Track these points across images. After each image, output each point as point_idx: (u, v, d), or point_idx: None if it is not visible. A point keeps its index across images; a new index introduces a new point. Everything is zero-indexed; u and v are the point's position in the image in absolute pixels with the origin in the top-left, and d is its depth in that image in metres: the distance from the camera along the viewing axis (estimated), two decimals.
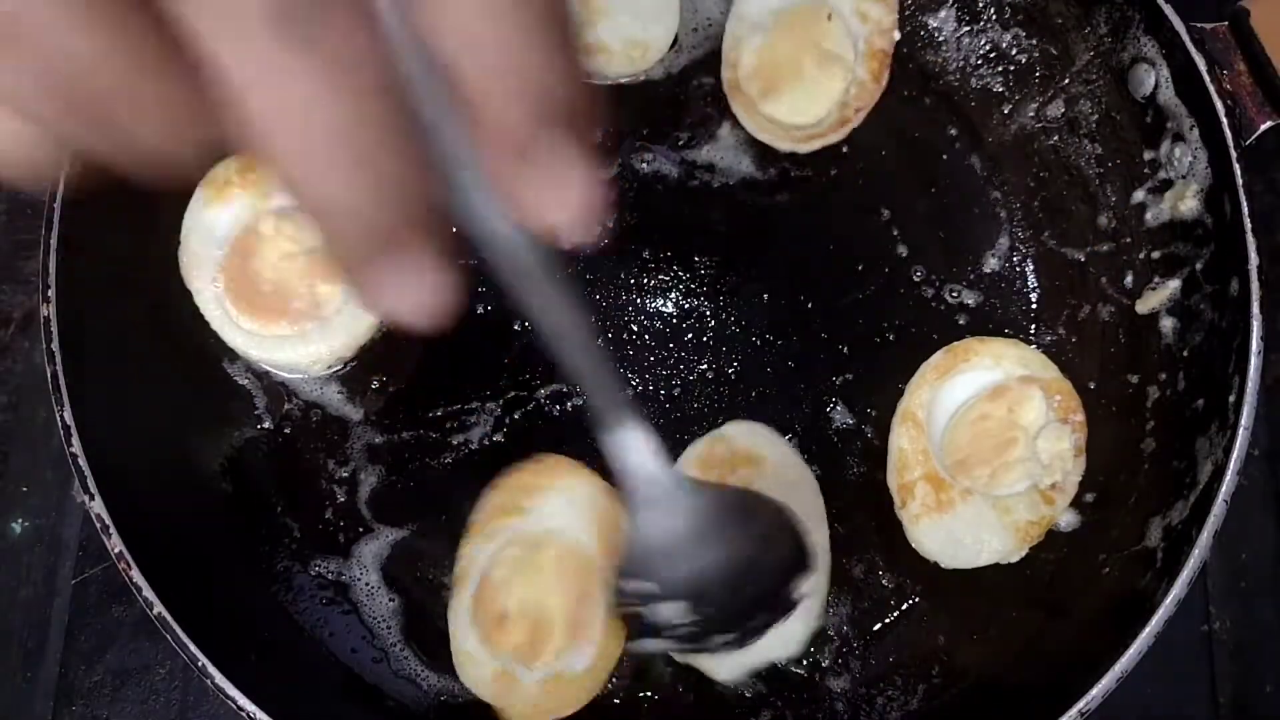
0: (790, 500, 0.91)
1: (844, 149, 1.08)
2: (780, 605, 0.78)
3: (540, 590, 0.90)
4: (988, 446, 0.96)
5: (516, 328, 1.03)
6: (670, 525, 0.72)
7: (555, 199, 0.40)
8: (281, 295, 0.97)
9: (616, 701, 0.96)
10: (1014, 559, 0.96)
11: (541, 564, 0.91)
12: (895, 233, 1.08)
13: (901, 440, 0.98)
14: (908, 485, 0.97)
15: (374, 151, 0.36)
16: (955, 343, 1.01)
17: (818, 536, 0.95)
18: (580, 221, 0.41)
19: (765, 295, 1.07)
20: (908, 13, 1.13)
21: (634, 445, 0.66)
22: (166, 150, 0.40)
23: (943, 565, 0.96)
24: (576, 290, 0.49)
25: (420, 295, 0.39)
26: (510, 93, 0.38)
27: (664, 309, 1.06)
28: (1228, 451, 0.85)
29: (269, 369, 1.01)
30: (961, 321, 1.06)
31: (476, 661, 0.91)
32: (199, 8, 0.33)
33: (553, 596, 0.90)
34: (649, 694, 0.97)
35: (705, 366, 1.04)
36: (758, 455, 0.97)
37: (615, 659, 0.92)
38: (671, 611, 0.74)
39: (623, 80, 1.08)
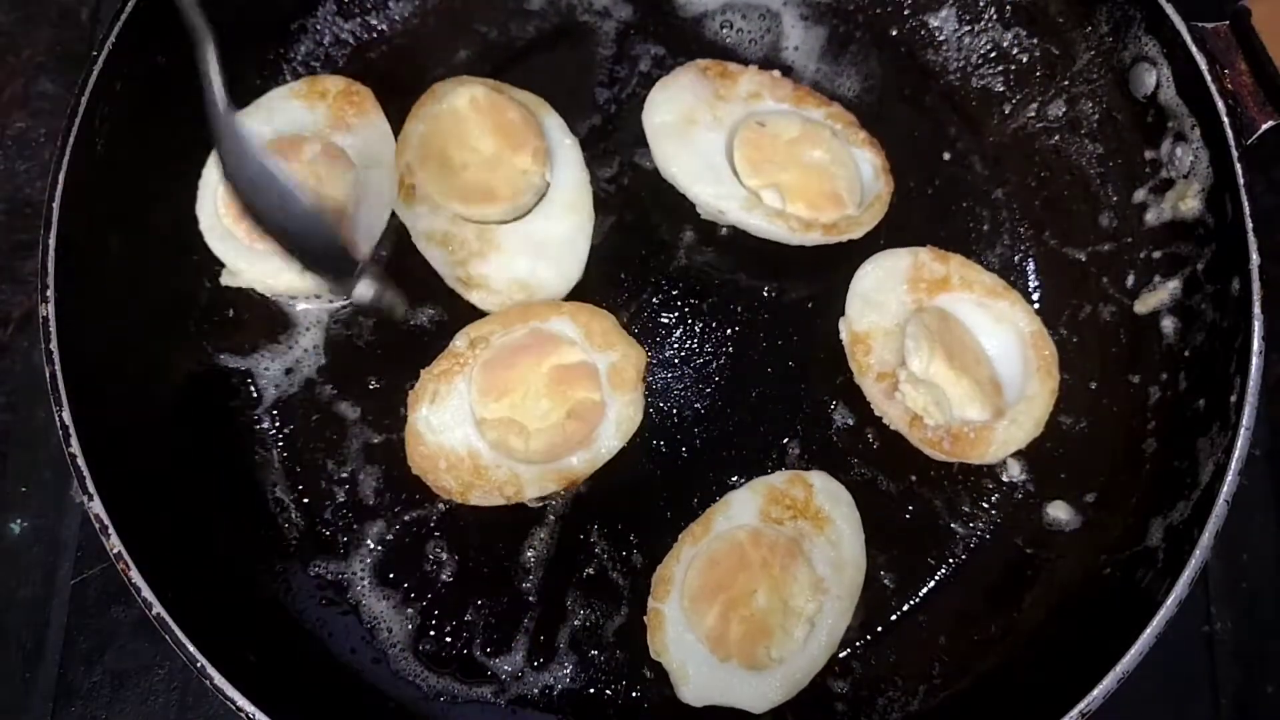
0: (829, 576, 0.93)
1: None
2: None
3: (536, 402, 0.94)
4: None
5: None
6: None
7: None
8: None
9: (619, 702, 0.96)
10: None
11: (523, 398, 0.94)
12: (897, 231, 1.08)
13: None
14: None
15: None
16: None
17: (841, 621, 0.93)
18: None
19: (766, 293, 1.07)
20: (907, 12, 1.13)
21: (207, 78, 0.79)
22: None
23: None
24: None
25: None
26: None
27: (665, 307, 1.06)
28: (1229, 452, 0.85)
29: (260, 291, 1.01)
30: None
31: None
32: None
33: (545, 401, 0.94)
34: (649, 694, 0.97)
35: (703, 362, 1.04)
36: (827, 518, 0.96)
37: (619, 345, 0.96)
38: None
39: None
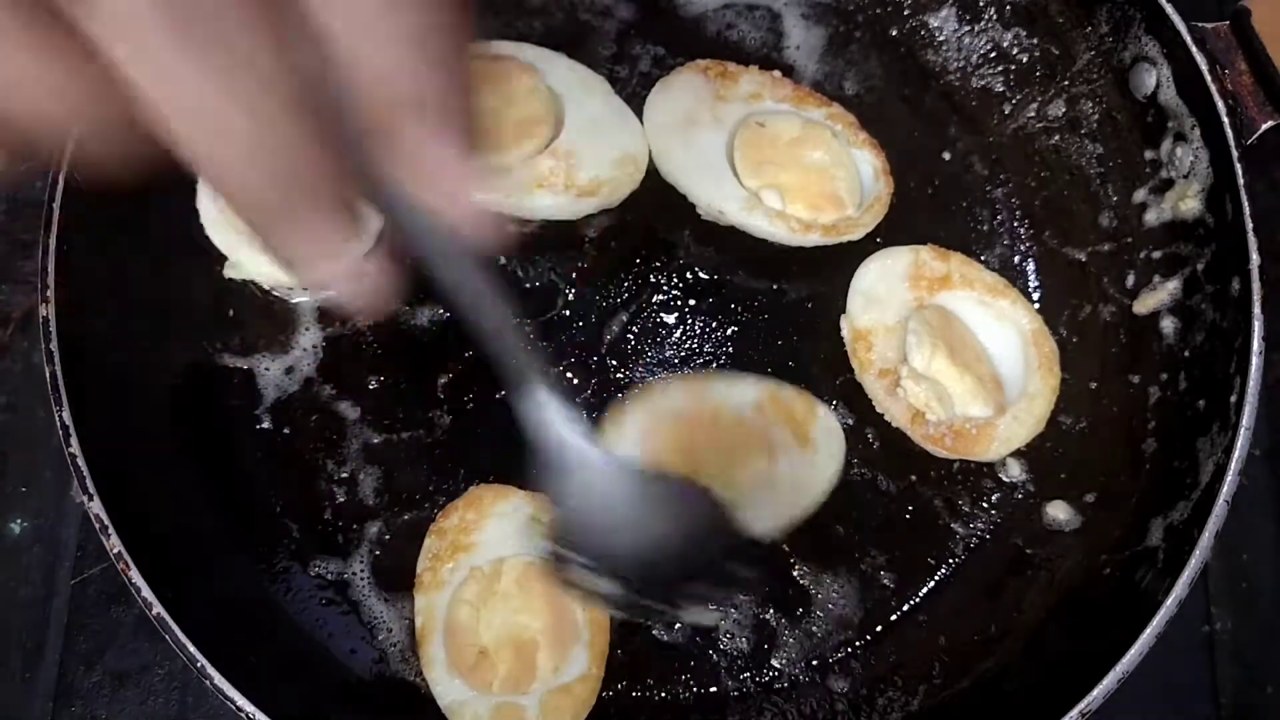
0: (785, 477, 0.94)
1: None
2: (719, 581, 0.76)
3: (512, 616, 0.89)
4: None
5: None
6: (587, 495, 0.69)
7: (430, 184, 0.43)
8: None
9: (620, 702, 0.96)
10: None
11: (504, 590, 0.90)
12: (896, 231, 1.08)
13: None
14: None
15: (276, 144, 0.38)
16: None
17: (796, 509, 0.95)
18: (466, 216, 0.44)
19: (765, 293, 1.07)
20: (908, 12, 1.13)
21: (546, 412, 0.65)
22: (104, 143, 0.43)
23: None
24: (486, 263, 0.51)
25: (342, 266, 0.43)
26: (383, 79, 0.39)
27: (665, 307, 1.06)
28: (1229, 452, 0.85)
29: (260, 284, 1.02)
30: None
31: (468, 708, 0.89)
32: (91, 10, 0.33)
33: (526, 616, 0.89)
34: (648, 694, 0.97)
35: (703, 363, 1.04)
36: (813, 445, 0.96)
37: (606, 651, 0.92)
38: (605, 584, 0.71)
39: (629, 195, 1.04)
